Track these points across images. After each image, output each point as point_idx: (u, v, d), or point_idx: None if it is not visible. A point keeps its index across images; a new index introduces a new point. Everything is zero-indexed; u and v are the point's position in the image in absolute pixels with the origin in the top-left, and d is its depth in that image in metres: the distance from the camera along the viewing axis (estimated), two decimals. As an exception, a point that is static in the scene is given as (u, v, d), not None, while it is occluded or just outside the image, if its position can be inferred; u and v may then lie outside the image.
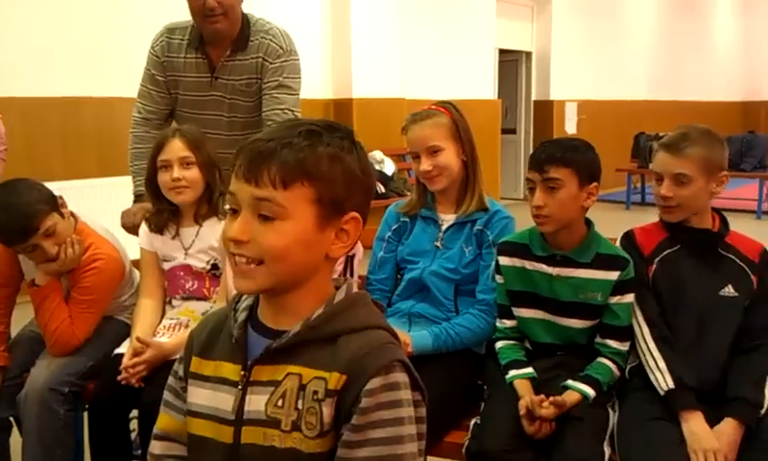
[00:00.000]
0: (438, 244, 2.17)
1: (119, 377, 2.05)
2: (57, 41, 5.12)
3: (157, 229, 2.29)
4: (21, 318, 2.42)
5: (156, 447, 1.24)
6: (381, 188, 6.50)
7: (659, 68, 12.34)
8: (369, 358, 1.08)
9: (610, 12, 11.10)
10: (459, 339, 2.04)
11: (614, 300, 1.91)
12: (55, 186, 4.61)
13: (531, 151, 10.36)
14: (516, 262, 1.99)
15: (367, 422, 1.06)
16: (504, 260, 2.01)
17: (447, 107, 2.22)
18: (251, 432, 1.11)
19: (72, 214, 2.30)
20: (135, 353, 2.07)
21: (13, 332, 2.41)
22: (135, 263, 2.43)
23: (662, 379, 1.79)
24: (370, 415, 1.06)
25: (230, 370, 1.15)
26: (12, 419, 2.26)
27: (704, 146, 1.90)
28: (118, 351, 2.19)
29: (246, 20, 2.66)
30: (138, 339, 2.09)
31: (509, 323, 2.03)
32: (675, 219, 1.92)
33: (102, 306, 2.27)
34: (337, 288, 1.18)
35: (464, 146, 2.18)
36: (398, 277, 2.23)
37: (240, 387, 1.13)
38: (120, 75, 5.07)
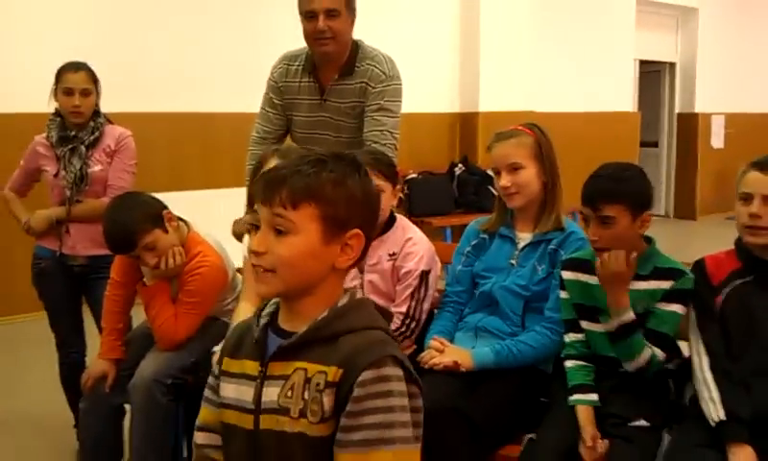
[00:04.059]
0: (513, 262, 2.22)
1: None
2: (197, 61, 5.61)
3: (255, 238, 2.49)
4: (141, 316, 2.70)
5: (198, 437, 1.44)
6: (505, 201, 6.51)
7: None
8: (362, 354, 1.23)
9: (763, 19, 10.40)
10: (521, 356, 2.08)
11: (660, 305, 1.92)
12: (192, 195, 5.02)
13: (674, 165, 10.06)
14: (580, 277, 2.02)
15: (360, 409, 1.20)
16: (567, 275, 2.05)
17: (533, 128, 2.28)
18: (267, 419, 1.27)
19: (186, 224, 2.55)
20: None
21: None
22: (240, 270, 2.65)
23: (714, 410, 1.76)
24: (362, 403, 1.20)
25: (252, 366, 1.32)
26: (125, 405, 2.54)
27: None
28: (215, 348, 2.40)
29: (355, 46, 2.82)
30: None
31: (577, 336, 2.04)
32: (764, 241, 1.85)
33: (205, 308, 2.50)
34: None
35: (545, 167, 2.22)
36: (475, 291, 2.30)
37: (258, 381, 1.30)
38: (253, 92, 5.46)
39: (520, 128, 2.27)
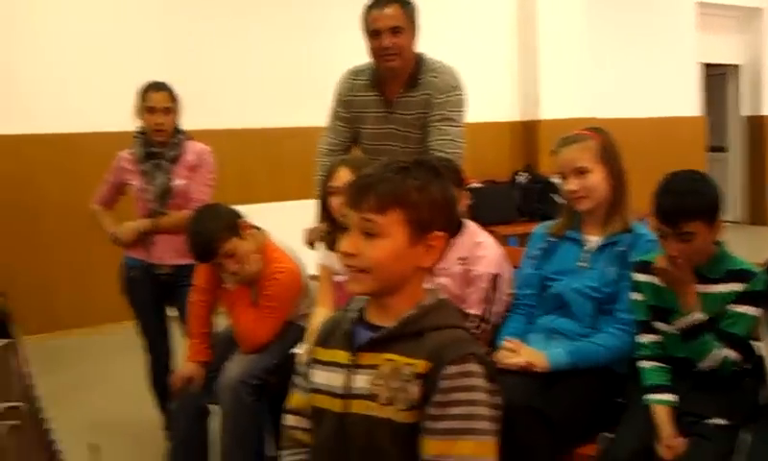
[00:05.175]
0: (581, 264, 2.26)
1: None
2: (264, 80, 5.82)
3: (330, 246, 2.60)
4: (223, 321, 2.85)
5: (288, 419, 1.57)
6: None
7: None
8: (448, 349, 1.34)
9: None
10: (595, 357, 2.12)
11: (732, 307, 1.94)
12: (261, 207, 5.19)
13: (744, 170, 9.80)
14: (653, 279, 2.04)
15: (445, 400, 1.31)
16: (640, 277, 2.08)
17: (598, 131, 2.32)
18: (355, 404, 1.38)
19: (260, 232, 2.68)
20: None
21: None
22: (313, 277, 2.77)
23: None
24: (447, 394, 1.31)
25: (342, 356, 1.44)
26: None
27: None
28: (294, 350, 2.53)
29: (418, 59, 2.92)
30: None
31: (652, 337, 2.06)
32: None
33: (282, 313, 2.63)
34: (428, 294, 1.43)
35: (612, 169, 2.26)
36: (543, 294, 2.35)
37: (348, 369, 1.41)
38: (317, 107, 5.64)
39: (585, 132, 2.32)
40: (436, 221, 1.39)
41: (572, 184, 2.25)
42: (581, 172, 2.23)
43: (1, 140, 5.06)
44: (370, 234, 1.36)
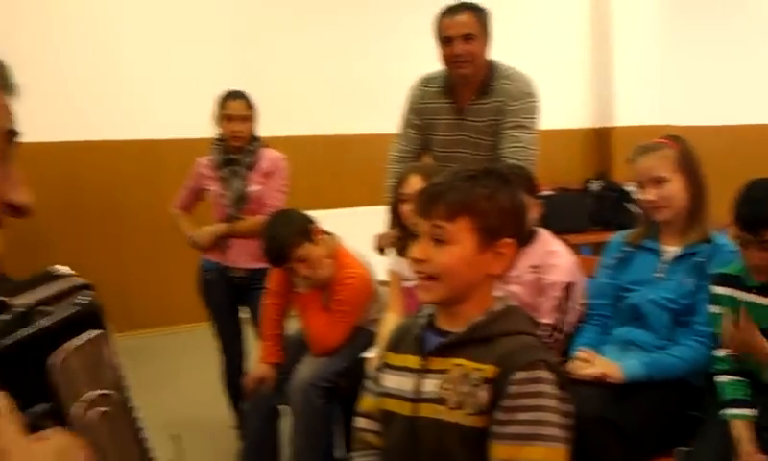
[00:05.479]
0: (658, 275, 2.21)
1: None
2: (335, 86, 5.91)
3: (400, 252, 2.62)
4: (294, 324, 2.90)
5: (360, 422, 1.61)
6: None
7: None
8: (517, 354, 1.35)
9: None
10: (672, 369, 2.07)
11: None
12: (330, 214, 5.28)
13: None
14: (733, 292, 1.99)
15: (513, 405, 1.31)
16: (719, 290, 2.03)
17: (676, 140, 2.28)
18: (425, 408, 1.40)
19: (331, 236, 2.73)
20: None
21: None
22: (382, 283, 2.80)
23: None
24: (516, 400, 1.31)
25: (412, 360, 1.46)
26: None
27: None
28: (364, 355, 2.55)
29: (490, 66, 2.92)
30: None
31: (730, 351, 2.00)
32: None
33: (353, 317, 2.66)
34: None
35: (691, 178, 2.21)
36: (619, 305, 2.31)
37: (418, 373, 1.43)
38: (383, 115, 5.70)
39: (663, 140, 2.28)
40: (505, 228, 1.41)
41: (650, 194, 2.21)
42: (659, 181, 2.19)
43: (84, 147, 5.28)
44: (439, 241, 1.39)
